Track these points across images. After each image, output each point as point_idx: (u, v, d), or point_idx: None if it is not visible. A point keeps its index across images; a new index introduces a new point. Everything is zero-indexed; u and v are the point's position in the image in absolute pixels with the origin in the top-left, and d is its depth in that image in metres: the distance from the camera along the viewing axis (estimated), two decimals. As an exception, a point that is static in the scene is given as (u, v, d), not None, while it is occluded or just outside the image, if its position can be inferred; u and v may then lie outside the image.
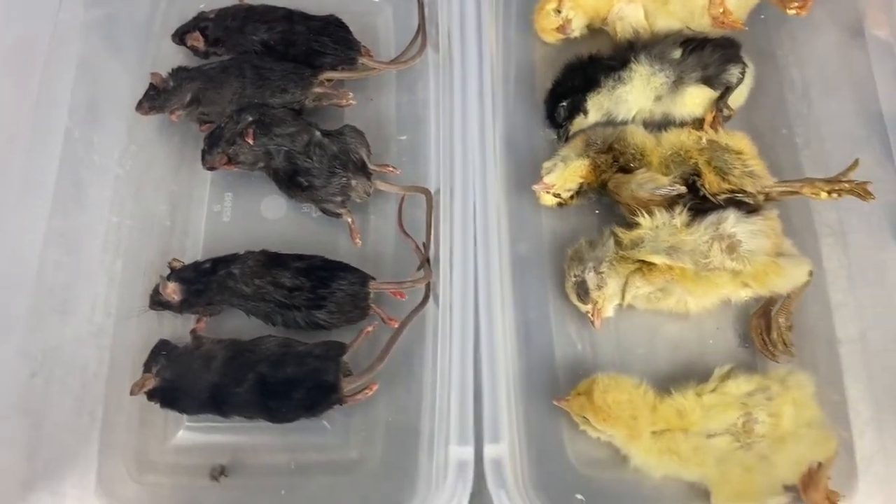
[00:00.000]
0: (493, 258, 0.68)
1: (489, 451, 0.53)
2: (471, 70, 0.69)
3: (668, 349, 0.82)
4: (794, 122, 0.92)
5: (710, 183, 0.80)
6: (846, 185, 0.79)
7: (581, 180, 0.85)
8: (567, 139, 0.90)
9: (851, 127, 0.91)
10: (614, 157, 0.83)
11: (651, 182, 0.81)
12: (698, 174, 0.81)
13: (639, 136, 0.84)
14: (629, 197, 0.82)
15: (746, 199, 0.80)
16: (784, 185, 0.81)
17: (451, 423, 0.54)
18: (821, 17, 0.95)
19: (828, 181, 0.80)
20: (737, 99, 0.89)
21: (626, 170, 0.84)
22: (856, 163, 0.80)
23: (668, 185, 0.81)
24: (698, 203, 0.81)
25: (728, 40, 0.89)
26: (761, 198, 0.81)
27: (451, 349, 0.57)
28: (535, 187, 0.85)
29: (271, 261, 0.81)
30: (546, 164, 0.86)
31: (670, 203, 0.81)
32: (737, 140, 0.83)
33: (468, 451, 0.53)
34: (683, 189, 0.81)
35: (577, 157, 0.85)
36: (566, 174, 0.84)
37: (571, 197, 0.86)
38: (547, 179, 0.85)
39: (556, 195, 0.86)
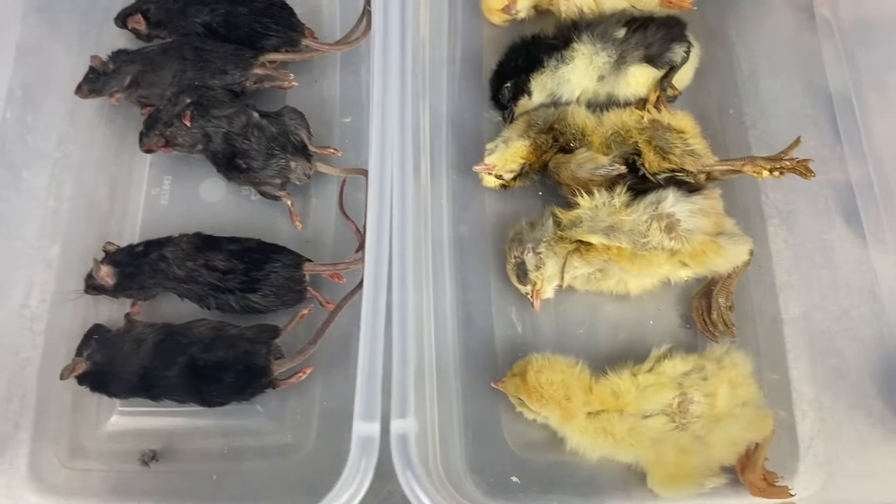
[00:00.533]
0: (417, 239, 0.67)
1: (395, 426, 0.52)
2: (393, 51, 0.67)
3: (609, 330, 0.81)
4: (743, 101, 0.91)
5: (650, 162, 0.79)
6: (787, 163, 0.78)
7: (522, 161, 0.84)
8: (512, 120, 0.89)
9: (800, 106, 0.90)
10: (554, 138, 0.82)
11: (591, 162, 0.80)
12: (639, 154, 0.80)
13: (580, 117, 0.83)
14: (569, 177, 0.81)
15: (687, 179, 0.79)
16: (725, 164, 0.80)
17: (357, 399, 0.53)
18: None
19: (769, 159, 0.79)
20: (682, 79, 0.88)
21: (567, 150, 0.83)
22: (798, 141, 0.79)
23: (608, 164, 0.80)
24: (639, 183, 0.80)
25: (673, 20, 0.88)
26: (702, 177, 0.80)
27: (362, 328, 0.56)
28: (476, 168, 0.84)
29: (205, 243, 0.80)
30: (488, 146, 0.85)
31: (611, 183, 0.80)
32: (679, 119, 0.81)
33: (374, 428, 0.51)
34: (623, 169, 0.80)
35: (518, 138, 0.84)
36: (507, 155, 0.83)
37: (514, 178, 0.85)
38: (488, 160, 0.84)
39: (498, 176, 0.85)
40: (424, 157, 0.83)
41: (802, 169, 0.78)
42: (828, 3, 0.88)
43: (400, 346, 0.54)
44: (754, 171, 0.79)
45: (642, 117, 0.81)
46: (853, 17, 0.81)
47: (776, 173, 0.79)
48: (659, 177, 0.79)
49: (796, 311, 0.81)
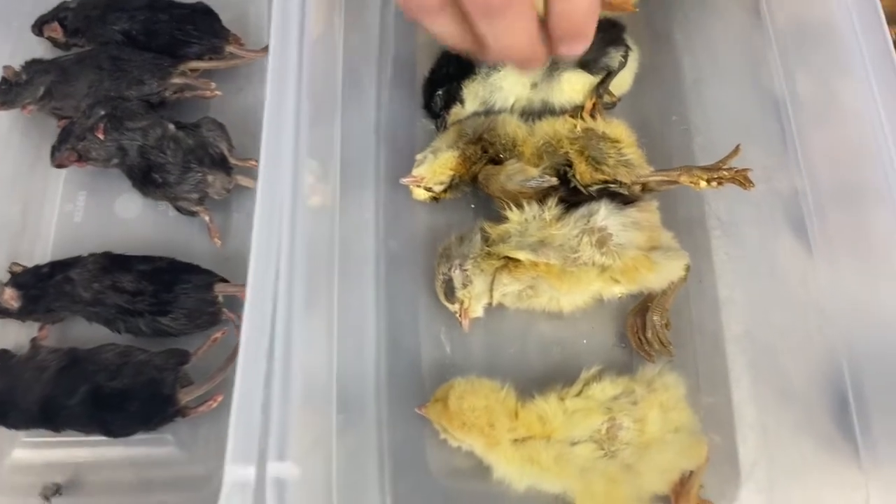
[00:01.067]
0: (318, 258, 0.63)
1: (272, 469, 0.47)
2: (290, 59, 0.63)
3: (541, 349, 0.77)
4: (687, 108, 0.87)
5: (582, 173, 0.75)
6: (726, 173, 0.74)
7: (452, 172, 0.80)
8: (445, 129, 0.85)
9: (746, 113, 0.86)
10: (483, 149, 0.78)
11: (520, 174, 0.76)
12: (570, 165, 0.76)
13: (511, 126, 0.79)
14: (498, 190, 0.77)
15: (621, 190, 0.75)
16: (661, 175, 0.76)
17: (230, 438, 0.48)
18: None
19: (706, 169, 0.75)
20: (621, 84, 0.84)
21: (497, 161, 0.79)
22: (737, 149, 0.75)
23: (538, 176, 0.76)
24: (572, 195, 0.76)
25: (611, 22, 0.84)
26: (637, 188, 0.76)
27: (239, 358, 0.51)
28: (404, 181, 0.80)
29: (113, 264, 0.76)
30: (418, 157, 0.81)
31: (542, 196, 0.76)
32: (614, 128, 0.77)
33: (248, 472, 0.47)
34: (554, 181, 0.76)
35: (447, 149, 0.80)
36: (436, 167, 0.79)
37: (444, 191, 0.81)
38: (416, 172, 0.80)
39: (428, 189, 0.80)
40: (350, 168, 0.79)
41: (741, 179, 0.74)
42: (770, 5, 0.84)
43: (281, 379, 0.50)
44: (691, 182, 0.75)
45: (575, 126, 0.77)
46: (788, 20, 0.77)
47: (714, 184, 0.75)
48: (591, 189, 0.75)
49: (738, 328, 0.77)
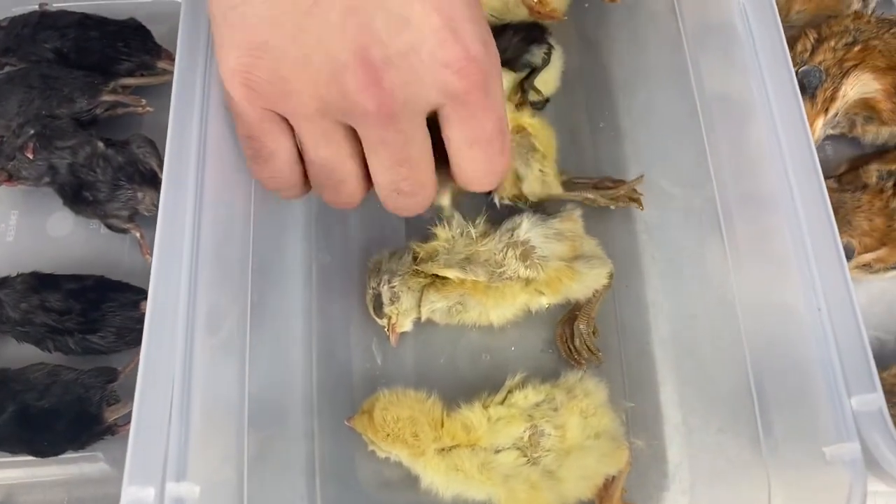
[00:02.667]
0: (231, 270, 0.63)
1: (171, 490, 0.48)
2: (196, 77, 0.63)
3: (470, 358, 0.78)
4: (616, 113, 0.88)
5: (503, 187, 0.76)
6: (623, 195, 0.77)
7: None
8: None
9: (672, 117, 0.87)
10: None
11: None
12: None
13: None
14: None
15: (527, 208, 0.77)
16: (568, 195, 0.78)
17: (128, 457, 0.49)
18: (646, 4, 0.91)
19: (606, 195, 0.78)
20: (548, 83, 0.85)
21: None
22: (640, 178, 0.79)
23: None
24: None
25: (533, 24, 0.85)
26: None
27: (139, 376, 0.52)
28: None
29: (41, 283, 0.76)
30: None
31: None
32: (544, 138, 0.78)
33: (147, 494, 0.48)
34: None
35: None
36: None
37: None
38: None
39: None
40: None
41: (637, 200, 0.78)
42: (681, 8, 0.85)
43: (181, 398, 0.51)
44: (592, 204, 0.77)
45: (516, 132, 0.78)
46: (696, 22, 0.78)
47: (612, 206, 0.78)
48: (503, 201, 0.76)
49: (665, 332, 0.78)
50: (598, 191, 0.78)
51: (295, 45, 0.48)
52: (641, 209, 0.76)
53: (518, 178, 0.76)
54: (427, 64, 0.47)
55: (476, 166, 0.55)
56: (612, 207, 0.77)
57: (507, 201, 0.76)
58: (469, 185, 0.57)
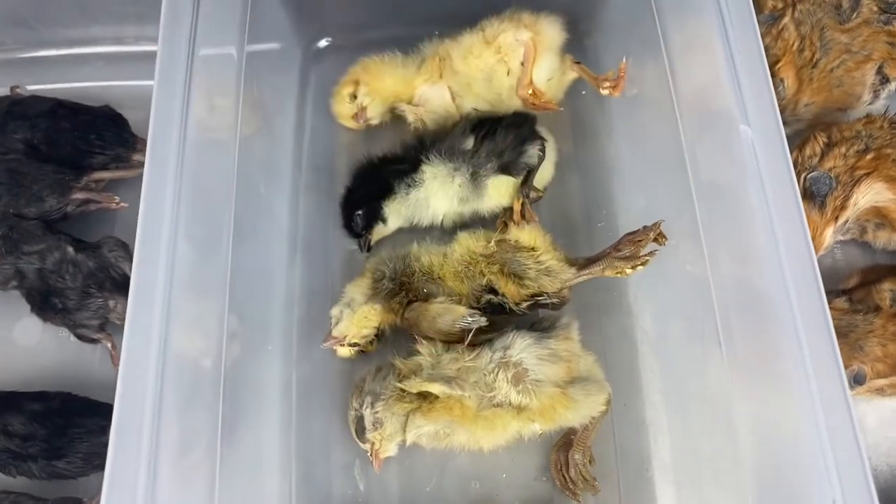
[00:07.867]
0: (202, 387, 0.58)
1: None
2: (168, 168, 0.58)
3: (459, 486, 0.74)
4: (611, 200, 0.84)
5: (512, 294, 0.72)
6: (645, 251, 0.71)
7: (376, 326, 0.75)
8: (369, 249, 0.82)
9: (670, 206, 0.83)
10: (405, 293, 0.73)
11: (448, 314, 0.71)
12: (495, 291, 0.72)
13: (423, 257, 0.74)
14: (428, 330, 0.72)
15: (551, 300, 0.72)
16: (584, 275, 0.72)
17: None
18: (642, 92, 0.86)
19: (626, 258, 0.71)
20: (543, 176, 0.82)
21: (419, 297, 0.74)
22: (657, 225, 0.72)
23: (468, 314, 0.71)
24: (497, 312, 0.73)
25: (521, 117, 0.81)
26: (566, 292, 0.73)
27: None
28: (325, 345, 0.75)
29: (2, 404, 0.72)
30: (333, 312, 0.76)
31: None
32: (526, 234, 0.73)
33: None
34: (483, 321, 0.70)
35: (364, 300, 0.75)
36: (356, 321, 0.75)
37: (371, 342, 0.76)
38: (336, 332, 0.75)
39: (353, 344, 0.76)
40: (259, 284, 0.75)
41: (658, 238, 0.71)
42: (677, 94, 0.80)
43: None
44: (617, 273, 0.72)
45: (488, 242, 0.73)
46: (691, 110, 0.73)
47: (640, 267, 0.71)
48: (522, 306, 0.71)
49: (664, 455, 0.74)
50: (618, 254, 0.72)
51: None
52: (663, 242, 0.71)
53: (519, 281, 0.71)
54: None
55: None
56: (640, 269, 0.71)
57: (524, 308, 0.72)
58: None
